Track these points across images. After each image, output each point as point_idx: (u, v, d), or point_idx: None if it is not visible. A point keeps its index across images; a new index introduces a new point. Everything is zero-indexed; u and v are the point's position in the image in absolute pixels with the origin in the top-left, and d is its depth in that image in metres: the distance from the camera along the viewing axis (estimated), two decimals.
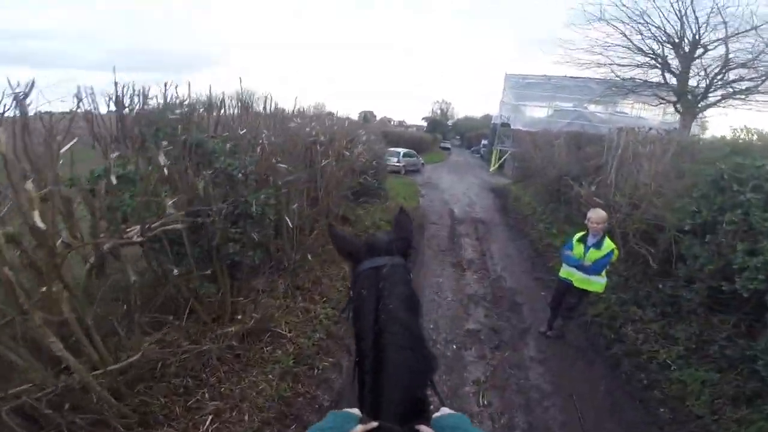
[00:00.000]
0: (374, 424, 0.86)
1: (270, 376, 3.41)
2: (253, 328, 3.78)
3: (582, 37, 19.46)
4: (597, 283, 4.04)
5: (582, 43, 15.15)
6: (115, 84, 4.20)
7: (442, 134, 58.68)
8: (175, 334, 3.47)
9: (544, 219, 9.33)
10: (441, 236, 8.87)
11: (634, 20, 12.72)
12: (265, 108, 6.22)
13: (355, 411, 0.96)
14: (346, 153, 5.73)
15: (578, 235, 4.17)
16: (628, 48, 13.31)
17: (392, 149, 20.55)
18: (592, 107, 22.45)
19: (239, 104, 5.64)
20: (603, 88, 15.47)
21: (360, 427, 0.87)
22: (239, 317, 3.91)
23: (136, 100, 4.35)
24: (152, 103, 4.52)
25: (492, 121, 31.71)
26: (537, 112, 26.22)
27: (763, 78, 11.30)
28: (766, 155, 3.71)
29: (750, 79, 11.68)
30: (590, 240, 4.00)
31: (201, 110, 5.15)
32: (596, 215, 3.95)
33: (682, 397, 3.39)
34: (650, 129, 7.69)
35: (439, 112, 75.55)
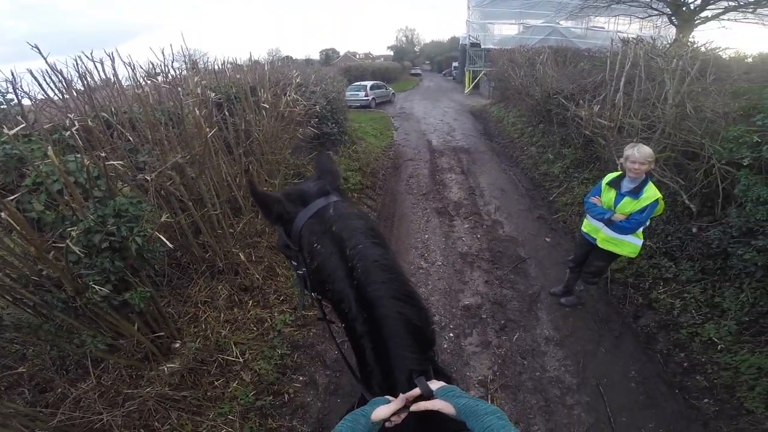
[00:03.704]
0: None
1: (230, 416, 2.36)
2: (195, 363, 2.63)
3: None
4: (629, 245, 2.87)
5: None
6: None
7: (411, 61, 54.24)
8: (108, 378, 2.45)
9: (536, 142, 8.00)
10: (421, 175, 7.56)
11: None
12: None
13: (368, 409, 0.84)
14: (265, 105, 4.08)
15: (610, 176, 2.90)
16: None
17: (357, 83, 18.27)
18: (563, 23, 20.14)
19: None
20: (580, 1, 13.22)
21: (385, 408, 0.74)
22: (176, 345, 2.72)
23: None
24: None
25: (460, 42, 29.02)
26: (506, 29, 24.40)
27: None
28: None
29: None
30: (626, 185, 2.78)
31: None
32: (639, 153, 2.62)
33: (731, 386, 2.51)
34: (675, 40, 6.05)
35: (404, 39, 69.21)
